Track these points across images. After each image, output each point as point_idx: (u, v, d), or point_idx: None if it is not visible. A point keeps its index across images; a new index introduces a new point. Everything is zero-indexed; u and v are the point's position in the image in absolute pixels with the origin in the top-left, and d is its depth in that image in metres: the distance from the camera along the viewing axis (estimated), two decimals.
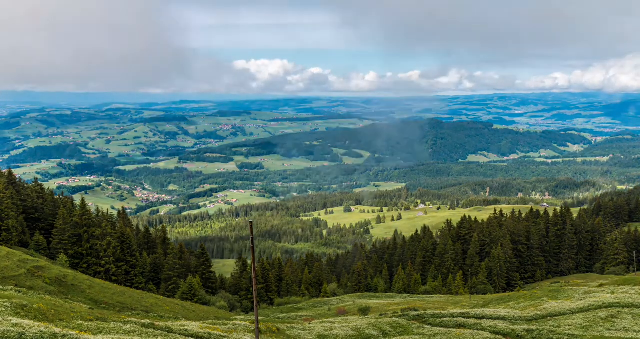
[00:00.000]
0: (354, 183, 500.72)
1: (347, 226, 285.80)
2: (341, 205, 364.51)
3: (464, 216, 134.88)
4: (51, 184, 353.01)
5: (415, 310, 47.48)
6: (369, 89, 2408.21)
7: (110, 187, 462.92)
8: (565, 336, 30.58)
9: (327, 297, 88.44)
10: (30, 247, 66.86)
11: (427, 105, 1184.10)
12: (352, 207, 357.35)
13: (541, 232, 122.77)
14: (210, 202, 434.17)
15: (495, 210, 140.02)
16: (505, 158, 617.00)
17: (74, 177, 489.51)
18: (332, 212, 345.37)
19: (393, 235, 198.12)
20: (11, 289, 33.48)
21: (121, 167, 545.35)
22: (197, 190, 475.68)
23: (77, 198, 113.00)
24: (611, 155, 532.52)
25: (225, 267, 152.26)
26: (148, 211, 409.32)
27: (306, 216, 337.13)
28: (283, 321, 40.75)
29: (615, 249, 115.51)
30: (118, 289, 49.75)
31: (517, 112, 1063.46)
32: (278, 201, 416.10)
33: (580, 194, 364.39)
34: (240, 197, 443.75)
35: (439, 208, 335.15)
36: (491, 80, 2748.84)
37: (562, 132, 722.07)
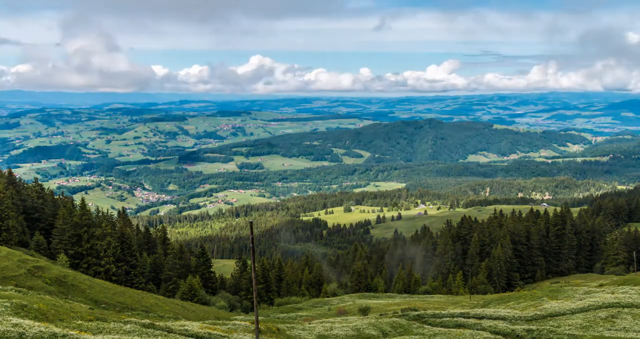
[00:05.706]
0: (354, 183, 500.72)
1: (347, 226, 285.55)
2: (341, 205, 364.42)
3: (464, 216, 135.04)
4: (51, 184, 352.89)
5: (415, 310, 47.44)
6: (369, 89, 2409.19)
7: (110, 187, 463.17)
8: (565, 336, 30.57)
9: (327, 297, 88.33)
10: (30, 247, 66.84)
11: (427, 105, 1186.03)
12: (352, 207, 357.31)
13: (541, 232, 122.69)
14: (210, 202, 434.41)
15: (495, 210, 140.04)
16: (505, 158, 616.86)
17: (74, 177, 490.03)
18: (332, 212, 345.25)
19: (393, 235, 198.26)
20: (11, 289, 33.48)
21: (121, 167, 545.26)
22: (197, 190, 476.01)
23: (77, 198, 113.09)
24: (611, 155, 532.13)
25: (225, 267, 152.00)
26: (148, 211, 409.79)
27: (306, 216, 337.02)
28: (283, 321, 40.75)
29: (615, 249, 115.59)
30: (118, 289, 49.74)
31: (517, 112, 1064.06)
32: (278, 201, 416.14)
33: (580, 194, 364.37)
34: (240, 197, 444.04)
35: (439, 208, 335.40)
36: (491, 80, 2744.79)
37: (562, 132, 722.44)
